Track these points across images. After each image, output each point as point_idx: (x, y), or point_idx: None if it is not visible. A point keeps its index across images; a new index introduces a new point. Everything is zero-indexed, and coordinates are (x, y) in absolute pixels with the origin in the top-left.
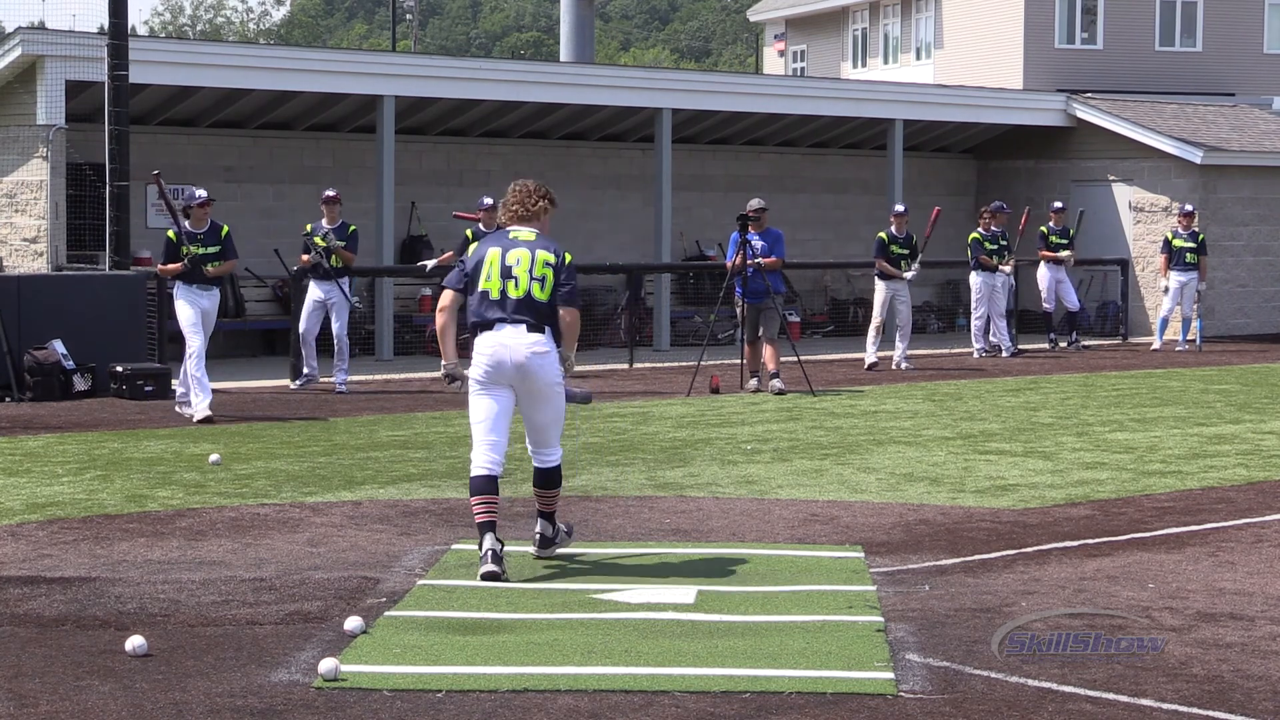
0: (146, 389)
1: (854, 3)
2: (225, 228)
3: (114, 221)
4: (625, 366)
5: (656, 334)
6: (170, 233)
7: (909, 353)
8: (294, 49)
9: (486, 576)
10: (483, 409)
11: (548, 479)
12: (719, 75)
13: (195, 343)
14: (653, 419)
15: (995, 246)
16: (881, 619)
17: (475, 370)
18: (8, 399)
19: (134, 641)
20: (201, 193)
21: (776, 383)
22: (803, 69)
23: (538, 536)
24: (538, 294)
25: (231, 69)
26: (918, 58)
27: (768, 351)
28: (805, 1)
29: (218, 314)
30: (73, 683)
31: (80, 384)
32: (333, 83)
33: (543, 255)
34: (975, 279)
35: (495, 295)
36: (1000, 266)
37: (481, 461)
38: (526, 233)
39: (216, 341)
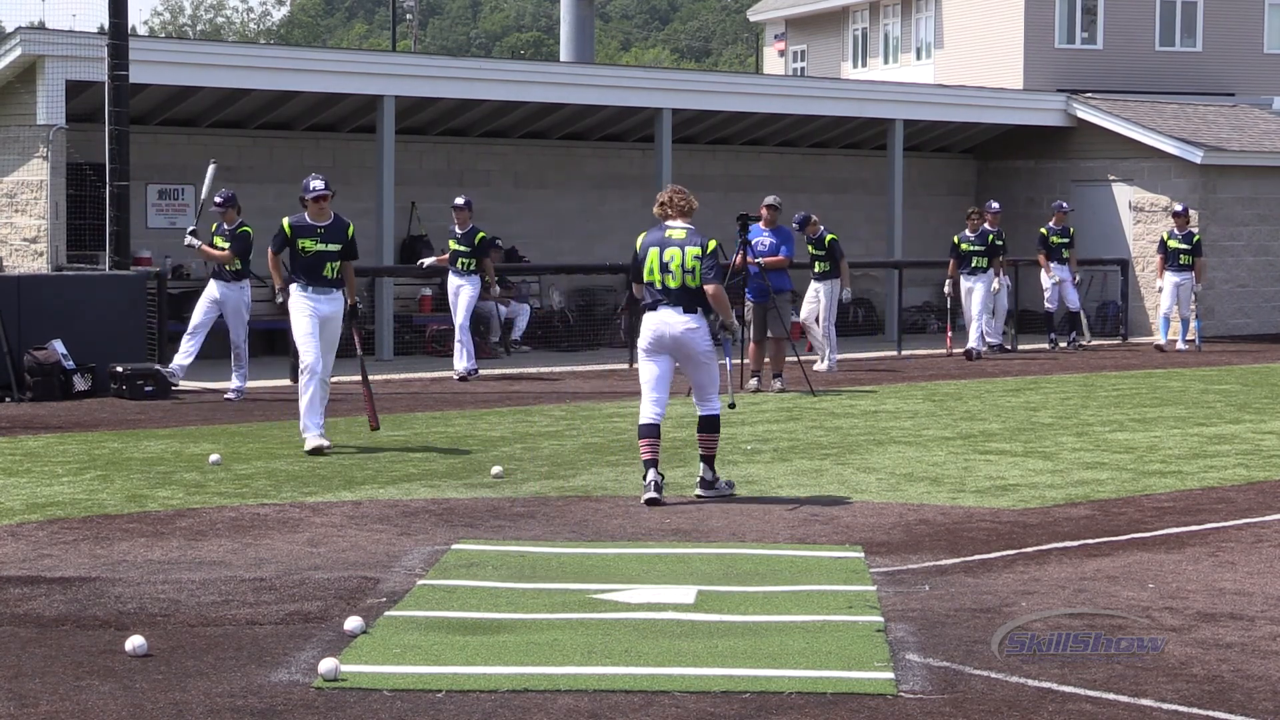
0: (146, 389)
1: (854, 3)
2: (351, 226)
3: (114, 221)
4: (625, 366)
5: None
6: (285, 222)
7: (827, 359)
8: (294, 49)
9: (649, 503)
10: (648, 373)
11: (708, 425)
12: (719, 75)
13: (308, 357)
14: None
15: (977, 248)
16: (881, 619)
17: (642, 340)
18: (8, 399)
19: (134, 641)
20: (319, 183)
21: (777, 383)
22: (803, 69)
23: (700, 480)
24: (690, 283)
25: (231, 69)
26: (918, 58)
27: (773, 351)
28: (805, 1)
29: (344, 322)
30: (73, 683)
31: (80, 384)
32: (333, 83)
33: (691, 251)
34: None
35: (657, 285)
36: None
37: (647, 413)
38: (680, 231)
39: (217, 341)
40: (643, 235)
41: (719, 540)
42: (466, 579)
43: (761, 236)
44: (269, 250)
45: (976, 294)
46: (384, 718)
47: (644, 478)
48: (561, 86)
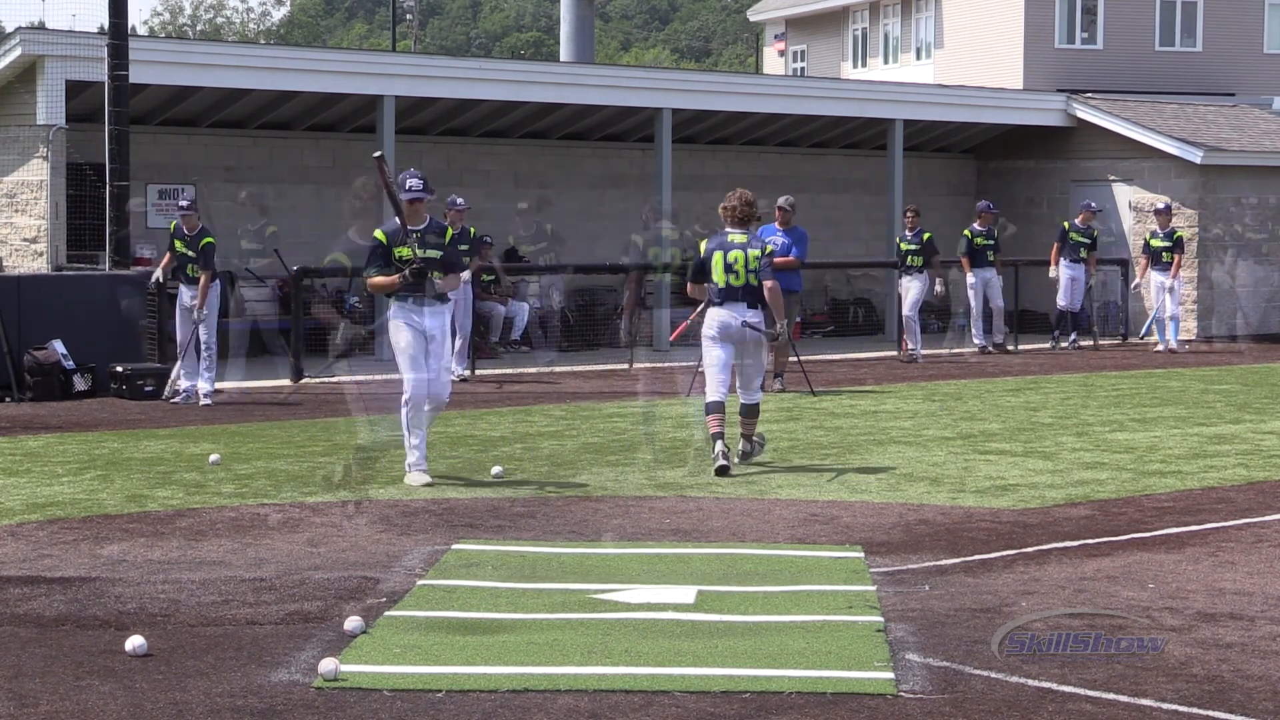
0: (146, 389)
1: (854, 3)
2: (450, 229)
3: (114, 221)
4: (625, 366)
5: (656, 334)
6: (379, 232)
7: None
8: (294, 49)
9: (719, 471)
10: (713, 357)
11: (750, 411)
12: (719, 75)
13: (409, 381)
14: (653, 419)
15: (913, 247)
16: (881, 619)
17: (709, 330)
18: (8, 399)
19: (134, 641)
20: (416, 182)
21: (776, 383)
22: (803, 69)
23: (740, 452)
24: (752, 281)
25: (231, 69)
26: (918, 58)
27: (777, 352)
28: (805, 1)
29: (450, 335)
30: (73, 683)
31: (80, 384)
32: (333, 83)
33: (753, 253)
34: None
35: (722, 284)
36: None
37: (713, 393)
38: (740, 235)
39: (218, 341)
40: (704, 242)
41: (719, 540)
42: (466, 579)
43: (775, 236)
44: (369, 276)
45: (910, 294)
46: (384, 718)
47: (712, 449)
48: (561, 86)
